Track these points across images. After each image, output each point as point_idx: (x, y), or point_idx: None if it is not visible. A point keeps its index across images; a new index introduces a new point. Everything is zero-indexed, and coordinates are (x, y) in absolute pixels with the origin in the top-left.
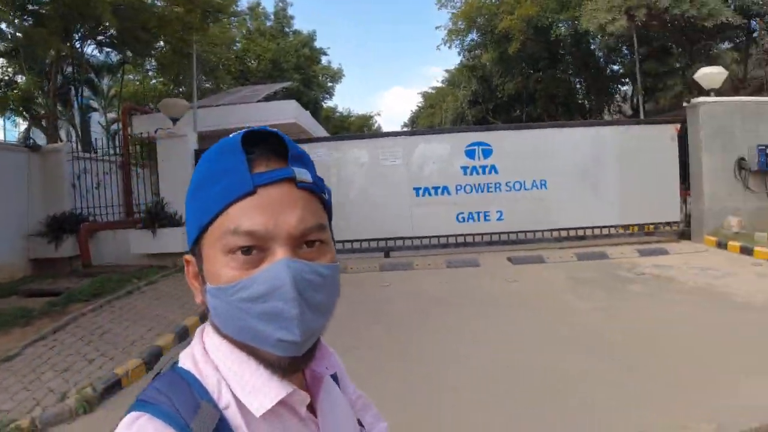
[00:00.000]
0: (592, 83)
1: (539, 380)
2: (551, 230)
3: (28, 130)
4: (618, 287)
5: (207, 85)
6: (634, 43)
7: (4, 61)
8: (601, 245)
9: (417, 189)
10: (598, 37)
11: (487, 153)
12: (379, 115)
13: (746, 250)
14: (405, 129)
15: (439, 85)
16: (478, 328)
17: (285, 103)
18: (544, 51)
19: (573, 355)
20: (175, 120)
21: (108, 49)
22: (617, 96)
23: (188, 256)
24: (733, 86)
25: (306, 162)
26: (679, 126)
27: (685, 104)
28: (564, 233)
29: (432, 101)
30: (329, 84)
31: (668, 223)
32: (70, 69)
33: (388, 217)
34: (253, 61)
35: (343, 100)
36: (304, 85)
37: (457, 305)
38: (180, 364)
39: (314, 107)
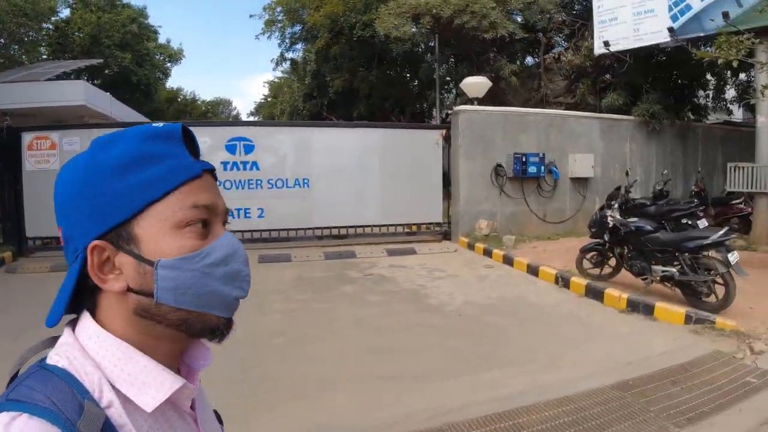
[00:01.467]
0: (421, 86)
1: None
2: (313, 228)
3: None
4: (332, 286)
5: (23, 59)
6: (436, 49)
7: None
8: (361, 244)
9: None
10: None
11: (248, 149)
12: (230, 103)
13: (488, 252)
14: (249, 119)
15: (282, 75)
16: None
17: (72, 84)
18: (353, 50)
19: None
20: None
21: None
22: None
23: (99, 243)
24: (524, 99)
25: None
26: (444, 132)
27: (448, 111)
28: (327, 232)
29: (275, 91)
30: (167, 64)
31: (433, 224)
32: None
33: None
34: (76, 34)
35: (202, 85)
36: (136, 63)
37: None
38: (51, 362)
39: (146, 88)
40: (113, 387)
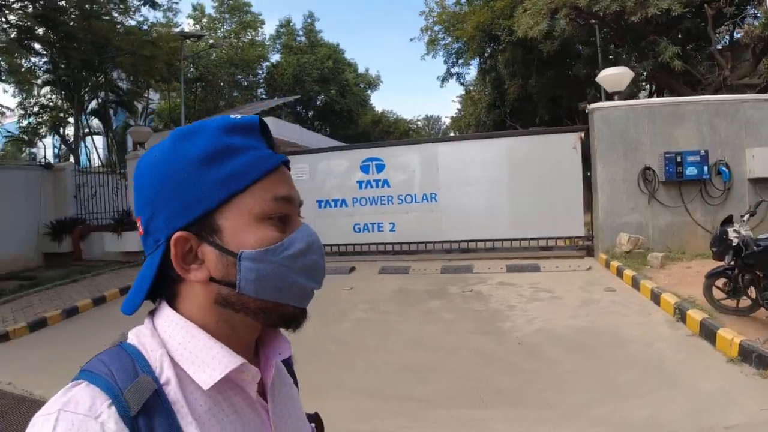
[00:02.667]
0: (579, 84)
1: None
2: (441, 242)
3: (62, 148)
4: (422, 301)
5: (239, 100)
6: (597, 42)
7: (47, 89)
8: (485, 258)
9: (319, 201)
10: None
11: (380, 168)
12: (439, 119)
13: (620, 272)
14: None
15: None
16: None
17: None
18: (517, 56)
19: None
20: (141, 144)
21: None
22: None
23: (183, 234)
24: (690, 84)
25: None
26: (582, 134)
27: (583, 109)
28: (455, 245)
29: (466, 105)
30: (368, 91)
31: (573, 238)
32: (104, 94)
33: None
34: (284, 75)
35: (398, 105)
36: (339, 93)
37: None
38: (127, 341)
39: (348, 114)
40: (175, 365)
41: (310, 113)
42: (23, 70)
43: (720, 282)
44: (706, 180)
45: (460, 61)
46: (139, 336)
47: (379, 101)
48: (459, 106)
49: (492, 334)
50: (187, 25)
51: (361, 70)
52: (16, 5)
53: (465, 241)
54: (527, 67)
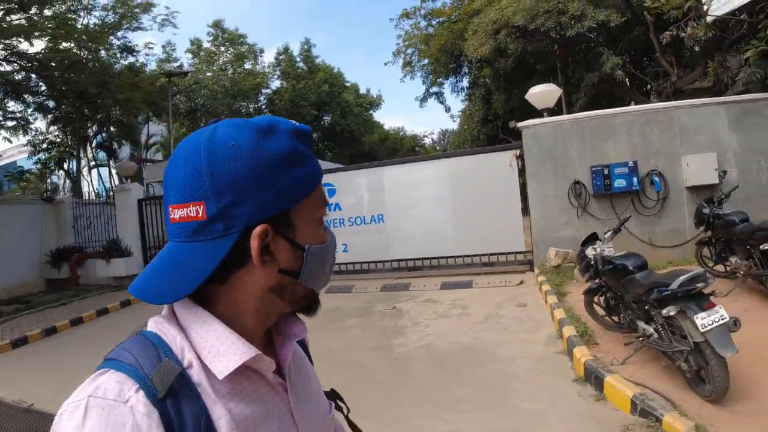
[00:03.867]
0: None
1: None
2: (390, 261)
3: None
4: (342, 318)
5: None
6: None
7: (54, 128)
8: (427, 276)
9: None
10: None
11: (331, 192)
12: (433, 135)
13: (541, 287)
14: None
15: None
16: None
17: None
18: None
19: None
20: (127, 178)
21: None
22: None
23: (266, 226)
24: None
25: None
26: (518, 152)
27: (514, 128)
28: (403, 264)
29: (462, 120)
30: (370, 111)
31: (515, 253)
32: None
33: None
34: (282, 101)
35: (415, 119)
36: (342, 115)
37: None
38: (147, 329)
39: (350, 134)
40: (195, 351)
41: (315, 135)
42: (18, 116)
43: (596, 298)
44: (637, 191)
45: (433, 80)
46: (158, 324)
47: (393, 118)
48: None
49: (380, 350)
50: (186, 58)
51: (362, 90)
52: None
53: (411, 259)
54: (509, 81)
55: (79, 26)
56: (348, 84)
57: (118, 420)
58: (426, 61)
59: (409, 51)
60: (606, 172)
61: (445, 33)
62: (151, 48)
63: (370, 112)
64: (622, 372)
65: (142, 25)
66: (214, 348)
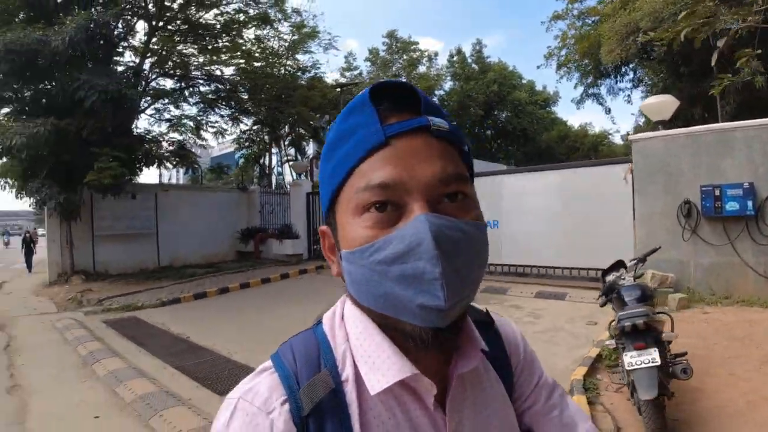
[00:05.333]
0: None
1: None
2: (501, 264)
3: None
4: None
5: None
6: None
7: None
8: (529, 283)
9: None
10: None
11: None
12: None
13: None
14: None
15: None
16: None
17: None
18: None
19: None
20: (300, 174)
21: None
22: None
23: (323, 228)
24: None
25: (442, 113)
26: (632, 165)
27: (626, 141)
28: (513, 269)
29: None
30: (545, 109)
31: None
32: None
33: None
34: (450, 103)
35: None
36: (514, 115)
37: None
38: (322, 325)
39: (521, 133)
40: (355, 363)
41: (488, 132)
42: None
43: None
44: (754, 216)
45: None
46: (330, 322)
47: (584, 114)
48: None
49: None
50: (365, 66)
51: (538, 87)
52: (203, 87)
53: (519, 265)
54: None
55: (264, 49)
56: (524, 81)
57: (257, 430)
58: (585, 61)
59: (563, 52)
60: (717, 193)
61: (590, 38)
62: (319, 68)
63: (547, 109)
64: (608, 399)
65: (311, 49)
66: (371, 359)
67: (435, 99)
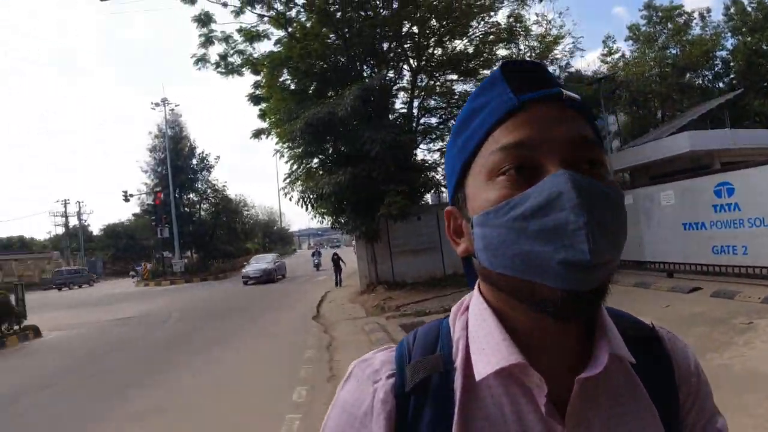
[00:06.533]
0: None
1: None
2: None
3: None
4: (682, 324)
5: None
6: None
7: None
8: None
9: (684, 224)
10: None
11: (730, 192)
12: None
13: None
14: None
15: None
16: None
17: (675, 138)
18: None
19: None
20: None
21: None
22: None
23: (450, 208)
24: None
25: (573, 91)
26: None
27: None
28: None
29: None
30: None
31: None
32: None
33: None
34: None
35: None
36: None
37: None
38: (450, 315)
39: None
40: (468, 349)
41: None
42: None
43: None
44: None
45: None
46: (455, 312)
47: None
48: None
49: None
50: (627, 46)
51: None
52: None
53: None
54: None
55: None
56: None
57: (361, 396)
58: None
59: None
60: None
61: None
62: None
63: None
64: None
65: (556, 57)
66: (480, 345)
67: (717, 62)
